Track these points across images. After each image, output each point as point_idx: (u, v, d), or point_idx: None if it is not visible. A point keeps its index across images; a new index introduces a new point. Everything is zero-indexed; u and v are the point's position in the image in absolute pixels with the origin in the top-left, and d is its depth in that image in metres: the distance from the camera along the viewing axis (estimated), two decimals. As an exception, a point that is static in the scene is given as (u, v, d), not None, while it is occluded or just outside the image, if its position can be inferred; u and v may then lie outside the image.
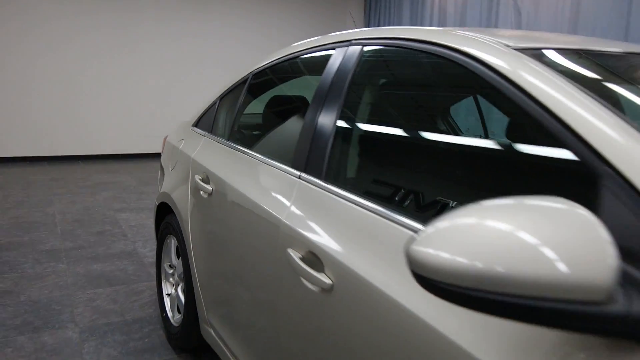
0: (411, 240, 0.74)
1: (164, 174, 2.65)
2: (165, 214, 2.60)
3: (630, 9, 5.50)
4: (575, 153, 0.85)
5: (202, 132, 2.39)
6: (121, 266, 3.50)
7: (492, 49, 1.09)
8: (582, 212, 0.66)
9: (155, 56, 8.15)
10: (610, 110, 0.87)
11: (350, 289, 1.13)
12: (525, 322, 0.66)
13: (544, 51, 1.11)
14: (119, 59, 7.96)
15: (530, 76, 0.98)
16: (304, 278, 1.28)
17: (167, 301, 2.58)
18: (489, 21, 7.39)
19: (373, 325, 1.05)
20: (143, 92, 8.15)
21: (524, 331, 0.80)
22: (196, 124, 2.53)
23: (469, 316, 0.88)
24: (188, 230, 2.15)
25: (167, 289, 2.60)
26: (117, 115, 8.06)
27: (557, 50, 1.15)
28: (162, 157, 2.80)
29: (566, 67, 1.07)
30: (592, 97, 0.89)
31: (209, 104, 2.47)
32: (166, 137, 2.84)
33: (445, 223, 0.71)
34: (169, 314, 2.53)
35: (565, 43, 1.24)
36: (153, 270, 3.42)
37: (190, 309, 2.22)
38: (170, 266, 2.56)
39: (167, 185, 2.49)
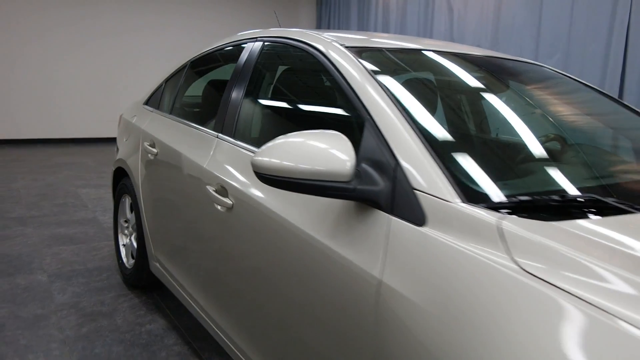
0: (255, 154, 1.31)
1: (118, 149, 3.15)
2: (120, 177, 3.11)
3: (542, 6, 6.26)
4: (358, 109, 1.44)
5: (151, 109, 2.91)
6: (83, 230, 3.98)
7: (330, 46, 1.68)
8: (342, 136, 1.25)
9: (115, 46, 8.49)
10: (380, 85, 1.46)
11: (243, 205, 1.71)
12: (316, 194, 1.23)
13: (366, 49, 1.70)
14: (79, 49, 8.26)
15: (345, 63, 1.57)
16: (215, 203, 1.85)
17: (122, 250, 3.10)
18: (426, 16, 8.09)
19: (257, 226, 1.63)
20: (102, 79, 8.49)
21: (324, 202, 1.38)
22: (146, 102, 3.05)
23: (304, 210, 1.46)
24: (139, 187, 2.68)
25: (122, 240, 3.12)
26: (77, 100, 8.37)
27: (377, 49, 1.75)
28: (118, 131, 3.29)
29: (373, 60, 1.65)
30: (374, 78, 1.49)
31: (157, 86, 3.00)
32: (121, 114, 3.34)
33: (269, 144, 1.29)
34: (124, 260, 3.05)
35: (393, 44, 1.83)
36: (111, 232, 3.92)
37: (141, 252, 2.75)
38: (126, 221, 3.07)
39: (122, 153, 3.00)
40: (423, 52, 1.83)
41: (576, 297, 0.86)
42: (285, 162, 1.24)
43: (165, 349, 2.34)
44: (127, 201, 3.01)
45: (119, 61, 8.56)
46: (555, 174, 1.45)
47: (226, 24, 9.20)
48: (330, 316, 1.29)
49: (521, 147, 1.51)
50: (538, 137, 1.59)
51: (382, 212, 1.23)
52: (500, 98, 1.79)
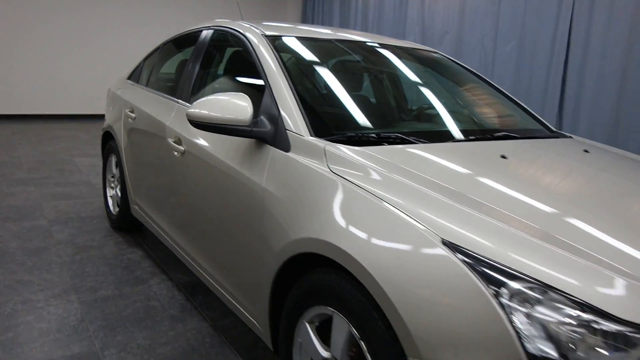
0: (188, 108, 1.95)
1: (106, 117, 3.78)
2: (108, 140, 3.75)
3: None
4: (263, 78, 2.07)
5: (132, 83, 3.55)
6: (77, 189, 4.64)
7: (254, 34, 2.31)
8: (246, 97, 1.89)
9: (110, 29, 9.05)
10: (279, 61, 2.08)
11: (190, 149, 2.35)
12: (228, 134, 1.87)
13: (278, 37, 2.32)
14: (77, 32, 8.82)
15: (261, 46, 2.20)
16: (173, 150, 2.49)
17: (109, 200, 3.75)
18: (400, 7, 8.68)
19: (198, 162, 2.27)
20: (98, 59, 9.06)
21: (242, 142, 2.03)
22: (129, 77, 3.68)
23: (225, 147, 2.10)
24: (122, 146, 3.33)
25: (109, 192, 3.77)
26: (74, 78, 8.95)
27: (287, 36, 2.37)
28: (106, 102, 3.92)
29: (280, 45, 2.27)
30: (276, 57, 2.11)
31: (137, 64, 3.63)
32: (109, 88, 3.96)
33: (198, 101, 1.93)
34: (111, 208, 3.71)
35: (302, 33, 2.46)
36: (102, 192, 4.57)
37: (124, 199, 3.41)
38: (112, 176, 3.72)
39: (109, 120, 3.64)
40: (321, 39, 2.47)
41: (359, 186, 1.51)
42: (207, 112, 1.89)
43: (140, 269, 3.01)
44: (113, 159, 3.66)
45: (115, 42, 9.12)
46: (382, 122, 2.11)
47: (211, 15, 9.75)
48: (240, 211, 1.95)
49: (359, 105, 2.15)
50: (379, 99, 2.25)
51: (268, 145, 1.88)
52: (368, 71, 2.44)
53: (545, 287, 1.12)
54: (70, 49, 8.87)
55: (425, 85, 2.54)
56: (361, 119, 2.06)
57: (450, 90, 2.67)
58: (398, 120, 2.25)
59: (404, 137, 1.85)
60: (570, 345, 1.08)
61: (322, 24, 11.14)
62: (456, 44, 8.00)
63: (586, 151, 2.09)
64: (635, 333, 1.07)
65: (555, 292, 1.12)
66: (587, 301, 1.10)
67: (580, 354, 1.07)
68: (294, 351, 1.70)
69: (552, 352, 1.08)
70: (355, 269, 1.37)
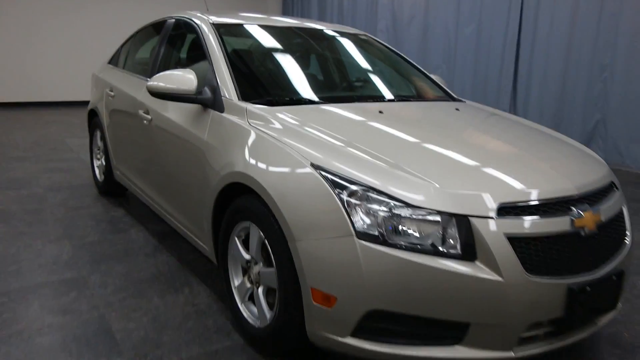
0: (148, 82, 2.52)
1: (91, 97, 4.32)
2: (92, 118, 4.30)
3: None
4: (207, 57, 2.63)
5: (112, 66, 4.10)
6: (68, 164, 5.20)
7: (204, 22, 2.86)
8: (192, 72, 2.45)
9: (99, 18, 9.53)
10: (221, 43, 2.64)
11: (155, 117, 2.91)
12: (179, 101, 2.44)
13: (223, 24, 2.87)
14: (70, 17, 9.30)
15: (208, 32, 2.75)
16: (143, 119, 3.06)
17: (96, 170, 4.32)
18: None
19: (162, 126, 2.84)
20: (89, 48, 9.56)
21: (191, 108, 2.59)
22: (109, 62, 4.23)
23: (181, 113, 2.66)
24: (104, 121, 3.88)
25: (96, 163, 4.34)
26: (64, 66, 9.45)
27: (231, 24, 2.92)
28: (91, 84, 4.47)
29: (224, 30, 2.82)
30: (219, 40, 2.67)
31: (116, 49, 4.18)
32: (94, 72, 4.50)
33: (156, 76, 2.49)
34: (98, 176, 4.28)
35: (245, 21, 3.01)
36: (90, 164, 5.13)
37: (107, 167, 3.97)
38: (98, 149, 4.28)
39: (93, 100, 4.20)
40: (260, 25, 3.02)
41: (265, 132, 2.08)
42: (162, 84, 2.45)
43: (122, 223, 3.59)
44: (98, 134, 4.22)
45: (104, 34, 9.61)
46: (297, 90, 2.68)
47: (184, 7, 10.24)
48: (190, 161, 2.52)
49: (280, 76, 2.71)
50: (299, 72, 2.82)
51: (209, 108, 2.45)
52: (294, 50, 3.01)
53: (369, 189, 1.70)
54: (63, 40, 9.35)
55: (344, 60, 3.11)
56: (279, 86, 2.63)
57: (367, 66, 3.24)
58: (313, 88, 2.83)
59: (310, 99, 2.43)
60: (385, 224, 1.66)
61: (301, 15, 11.63)
62: (423, 27, 8.54)
63: (457, 109, 2.68)
64: (428, 214, 1.66)
65: (376, 192, 1.70)
66: (398, 197, 1.68)
67: (390, 228, 1.65)
68: (229, 261, 2.28)
69: (373, 230, 1.66)
70: (259, 189, 1.96)
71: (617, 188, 2.11)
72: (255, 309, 2.14)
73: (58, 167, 5.07)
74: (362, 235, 1.66)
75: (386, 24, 9.27)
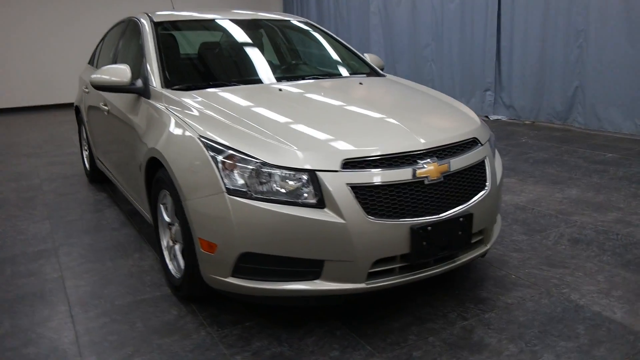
0: (91, 75, 2.92)
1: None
2: (78, 113, 4.78)
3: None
4: (142, 51, 3.01)
5: (90, 66, 4.55)
6: (69, 158, 5.72)
7: (146, 20, 3.22)
8: (127, 66, 2.84)
9: (112, 21, 10.09)
10: (156, 39, 3.01)
11: (111, 108, 3.33)
12: (117, 92, 2.86)
13: (162, 22, 3.23)
14: (83, 23, 9.89)
15: (147, 28, 3.13)
16: (103, 111, 3.48)
17: (85, 160, 4.81)
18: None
19: (113, 114, 3.25)
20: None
21: (131, 97, 2.99)
22: (89, 62, 4.69)
23: (122, 101, 3.06)
24: (84, 116, 4.34)
25: (84, 154, 4.83)
26: (79, 69, 10.07)
27: (169, 21, 3.28)
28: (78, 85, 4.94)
29: (161, 27, 3.18)
30: (154, 36, 3.04)
31: (93, 51, 4.63)
32: (80, 74, 4.98)
33: (100, 69, 2.89)
34: (86, 166, 4.77)
35: (183, 17, 3.37)
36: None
37: (91, 157, 4.44)
38: (84, 141, 4.76)
39: (77, 97, 4.68)
40: (197, 20, 3.38)
41: (174, 114, 2.45)
42: (100, 77, 2.85)
43: (101, 204, 4.05)
44: (83, 128, 4.69)
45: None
46: (220, 75, 3.02)
47: (168, 6, 10.66)
48: (129, 141, 2.92)
49: (201, 66, 3.08)
50: (220, 60, 3.18)
51: (141, 97, 2.84)
52: (226, 39, 3.36)
53: (239, 153, 2.05)
54: (78, 44, 9.97)
55: (272, 46, 3.44)
56: (200, 73, 3.01)
57: (293, 50, 3.56)
58: (229, 73, 3.18)
59: (223, 83, 2.79)
60: (250, 182, 2.01)
61: (300, 4, 11.88)
62: (412, 4, 8.69)
63: (360, 83, 2.98)
64: (285, 171, 1.99)
65: (244, 156, 2.04)
66: (261, 159, 2.02)
67: (255, 185, 2.00)
68: (159, 225, 2.67)
69: (241, 187, 2.01)
70: (163, 160, 2.34)
71: (480, 143, 2.38)
72: (177, 264, 2.54)
73: (59, 161, 5.60)
74: (232, 191, 2.01)
75: (377, 5, 9.46)
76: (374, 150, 2.07)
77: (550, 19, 6.60)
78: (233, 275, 2.09)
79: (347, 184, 1.98)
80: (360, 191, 1.99)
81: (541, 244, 3.03)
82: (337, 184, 1.97)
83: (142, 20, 3.31)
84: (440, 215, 2.11)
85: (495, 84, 7.53)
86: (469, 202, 2.21)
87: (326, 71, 3.43)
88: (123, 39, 3.64)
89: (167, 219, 2.55)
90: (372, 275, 2.07)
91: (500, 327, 2.19)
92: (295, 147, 2.05)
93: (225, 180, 2.03)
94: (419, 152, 2.12)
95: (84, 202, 4.11)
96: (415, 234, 2.03)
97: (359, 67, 3.47)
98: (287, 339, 2.15)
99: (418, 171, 2.07)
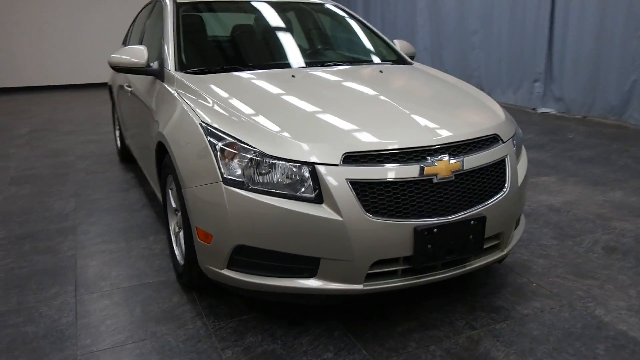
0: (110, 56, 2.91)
1: None
2: (111, 93, 4.84)
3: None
4: (162, 32, 2.97)
5: (122, 46, 4.58)
6: (105, 137, 5.85)
7: (170, 1, 3.18)
8: (144, 47, 2.81)
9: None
10: (176, 20, 2.96)
11: (134, 89, 3.32)
12: (134, 73, 2.84)
13: (184, 3, 3.17)
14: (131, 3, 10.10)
15: (170, 9, 3.08)
16: (127, 92, 3.48)
17: (117, 140, 4.88)
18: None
19: (136, 95, 3.23)
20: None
21: (149, 79, 2.96)
22: (122, 42, 4.73)
23: (142, 83, 3.04)
24: (115, 97, 4.39)
25: (116, 133, 4.90)
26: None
27: (194, 2, 3.22)
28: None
29: (183, 8, 3.12)
30: (176, 17, 2.99)
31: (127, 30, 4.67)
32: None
33: (119, 50, 2.87)
34: (118, 145, 4.84)
35: None
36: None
37: (122, 137, 4.50)
38: (117, 120, 4.83)
39: (110, 77, 4.74)
40: (223, 1, 3.30)
41: (182, 97, 2.40)
42: (118, 58, 2.83)
43: (126, 184, 4.09)
44: (114, 108, 4.76)
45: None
46: (236, 60, 2.95)
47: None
48: (146, 123, 2.90)
49: (217, 48, 3.02)
50: (240, 43, 3.09)
51: (157, 79, 2.80)
52: (246, 22, 3.26)
53: (237, 142, 1.97)
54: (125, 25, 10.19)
55: (294, 30, 3.32)
56: (215, 57, 2.95)
57: (315, 34, 3.43)
58: (246, 57, 3.09)
59: (238, 67, 2.71)
60: (248, 172, 1.93)
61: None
62: (461, -9, 8.32)
63: (381, 71, 2.82)
64: (283, 163, 1.90)
65: (242, 145, 1.96)
66: (259, 149, 1.93)
67: (252, 176, 1.92)
68: (168, 210, 2.65)
69: (238, 177, 1.93)
70: (167, 145, 2.29)
71: (502, 140, 2.20)
72: (181, 251, 2.50)
73: (95, 139, 5.73)
74: (228, 181, 1.94)
75: (426, -11, 9.12)
76: (379, 144, 1.93)
77: (608, 5, 6.13)
78: (228, 268, 2.02)
79: (347, 179, 1.86)
80: (360, 187, 1.87)
81: (572, 250, 2.81)
82: (337, 178, 1.86)
83: (167, 0, 3.26)
84: (449, 217, 1.96)
85: (545, 75, 7.11)
86: (483, 204, 2.04)
87: (349, 57, 3.29)
88: (150, 20, 3.62)
89: (173, 204, 2.52)
90: (371, 277, 1.95)
91: (511, 340, 2.03)
92: (295, 138, 1.95)
93: (223, 170, 1.96)
94: (429, 148, 1.97)
95: (111, 181, 4.17)
96: (419, 236, 1.90)
97: (387, 54, 3.31)
98: (281, 335, 2.07)
99: (426, 169, 1.92)
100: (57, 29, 9.92)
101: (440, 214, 1.95)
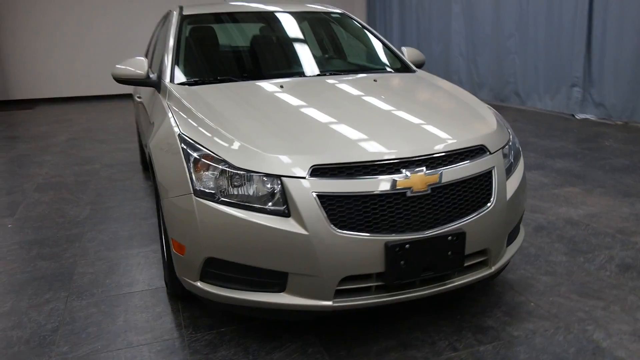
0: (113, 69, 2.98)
1: None
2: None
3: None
4: (165, 44, 3.02)
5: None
6: (135, 145, 6.02)
7: (177, 13, 3.22)
8: (145, 59, 2.87)
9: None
10: (177, 32, 3.00)
11: (142, 99, 3.39)
12: (135, 85, 2.89)
13: (188, 16, 3.20)
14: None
15: (174, 21, 3.13)
16: (138, 102, 3.56)
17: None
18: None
19: (144, 105, 3.30)
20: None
21: (151, 90, 3.02)
22: (145, 53, 4.86)
23: (146, 94, 3.10)
24: (135, 105, 4.51)
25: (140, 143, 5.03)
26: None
27: (195, 14, 3.25)
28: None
29: (187, 21, 3.16)
30: (178, 29, 3.04)
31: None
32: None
33: (121, 63, 2.94)
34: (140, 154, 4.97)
35: (225, 9, 3.33)
36: (151, 145, 5.90)
37: (141, 148, 4.61)
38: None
39: (133, 87, 4.88)
40: (225, 12, 3.32)
41: (169, 108, 2.42)
42: (120, 70, 2.89)
43: (142, 193, 4.18)
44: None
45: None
46: (229, 71, 2.95)
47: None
48: (147, 131, 2.95)
49: (212, 60, 3.03)
50: (241, 53, 3.08)
51: (156, 90, 2.85)
52: (247, 33, 3.26)
53: (210, 155, 1.95)
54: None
55: (294, 40, 3.29)
56: (209, 68, 2.95)
57: (320, 42, 3.38)
58: (239, 68, 3.09)
59: (231, 78, 2.71)
60: (218, 185, 1.91)
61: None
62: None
63: (375, 80, 2.74)
64: (252, 176, 1.87)
65: (214, 158, 1.94)
66: (230, 161, 1.91)
67: (222, 188, 1.90)
68: (160, 220, 2.67)
69: (209, 190, 1.92)
70: (150, 154, 2.31)
71: (489, 151, 2.08)
72: (171, 260, 2.51)
73: (125, 148, 5.91)
74: (199, 193, 1.93)
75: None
76: (349, 156, 1.87)
77: (651, 5, 5.77)
78: (201, 280, 2.01)
79: (314, 192, 1.81)
80: (328, 201, 1.81)
81: (581, 267, 2.63)
82: (303, 192, 1.81)
83: (174, 12, 3.32)
84: (425, 232, 1.87)
85: (584, 79, 6.77)
86: (463, 219, 1.94)
87: (348, 66, 3.23)
88: (161, 32, 3.69)
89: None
90: (342, 293, 1.89)
91: (493, 364, 1.91)
92: (265, 151, 1.91)
93: (195, 181, 1.95)
94: (404, 160, 1.89)
95: (129, 190, 4.28)
96: (390, 252, 1.82)
97: (392, 62, 3.23)
98: (255, 350, 2.03)
99: (399, 182, 1.84)
100: (102, 41, 10.35)
101: (415, 229, 1.87)
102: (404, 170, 1.87)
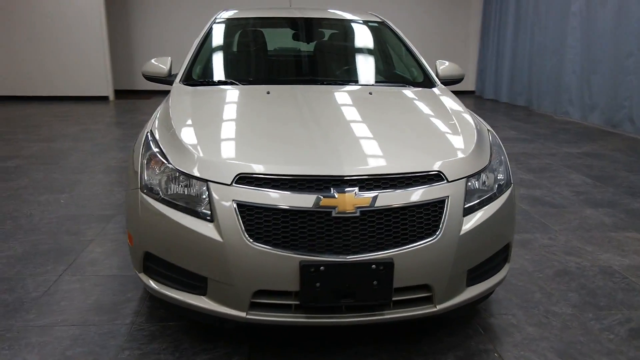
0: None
1: None
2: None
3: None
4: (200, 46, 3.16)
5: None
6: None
7: (215, 18, 3.38)
8: (168, 58, 3.05)
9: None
10: (207, 34, 3.14)
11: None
12: (158, 82, 3.09)
13: (223, 20, 3.33)
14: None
15: (206, 28, 3.27)
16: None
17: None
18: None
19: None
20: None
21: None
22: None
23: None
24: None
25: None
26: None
27: (229, 19, 3.35)
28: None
29: (221, 23, 3.28)
30: (209, 32, 3.17)
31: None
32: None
33: (145, 64, 3.15)
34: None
35: (241, 16, 3.41)
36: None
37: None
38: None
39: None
40: (257, 17, 3.39)
41: (170, 106, 2.54)
42: (147, 68, 3.10)
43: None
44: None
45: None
46: (232, 74, 3.01)
47: None
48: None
49: (225, 63, 3.09)
50: (256, 56, 3.10)
51: (170, 85, 3.01)
52: (270, 38, 3.27)
53: (160, 154, 2.02)
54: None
55: (316, 46, 3.24)
56: (218, 71, 3.02)
57: (339, 51, 3.29)
58: (243, 72, 3.17)
59: (234, 82, 2.77)
60: (161, 183, 1.97)
61: (499, 10, 10.85)
62: (618, 5, 7.27)
63: (370, 93, 2.60)
64: (185, 177, 1.90)
65: (162, 157, 2.00)
66: (171, 162, 1.96)
67: (163, 187, 1.96)
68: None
69: (153, 186, 1.99)
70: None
71: (446, 179, 1.88)
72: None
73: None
74: (145, 189, 2.01)
75: (580, 5, 8.09)
76: (275, 168, 1.82)
77: None
78: (145, 272, 2.09)
79: (234, 200, 1.79)
80: (248, 211, 1.78)
81: (583, 325, 2.27)
82: (225, 199, 1.80)
83: (213, 18, 3.48)
84: (346, 256, 1.75)
85: None
86: (394, 249, 1.78)
87: (360, 77, 3.11)
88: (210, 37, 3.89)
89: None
90: (258, 306, 1.84)
91: (409, 412, 1.73)
92: (201, 155, 1.94)
93: (146, 177, 2.03)
94: (336, 178, 1.79)
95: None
96: (305, 272, 1.73)
97: (417, 75, 3.06)
98: (184, 349, 2.06)
99: (323, 200, 1.75)
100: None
101: (336, 251, 1.76)
102: (332, 189, 1.77)
